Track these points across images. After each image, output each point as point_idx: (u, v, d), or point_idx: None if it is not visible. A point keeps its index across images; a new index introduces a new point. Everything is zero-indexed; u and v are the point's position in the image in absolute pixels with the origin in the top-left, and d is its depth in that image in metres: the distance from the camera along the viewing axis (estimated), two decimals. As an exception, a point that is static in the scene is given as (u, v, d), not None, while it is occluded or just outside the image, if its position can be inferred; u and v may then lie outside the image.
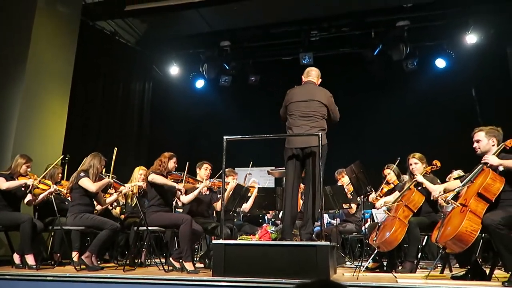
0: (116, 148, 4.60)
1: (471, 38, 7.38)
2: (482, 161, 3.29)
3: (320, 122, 3.86)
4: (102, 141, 7.15)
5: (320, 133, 3.64)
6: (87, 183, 4.26)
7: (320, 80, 4.23)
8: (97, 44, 7.39)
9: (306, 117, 3.85)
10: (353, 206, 5.45)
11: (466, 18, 7.26)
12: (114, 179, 4.61)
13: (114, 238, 4.50)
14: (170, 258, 4.14)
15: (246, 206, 5.59)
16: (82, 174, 4.32)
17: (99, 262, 4.36)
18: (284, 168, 4.06)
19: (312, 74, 4.18)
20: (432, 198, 3.91)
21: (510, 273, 2.92)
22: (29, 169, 4.57)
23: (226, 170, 5.45)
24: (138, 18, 7.93)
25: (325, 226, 5.88)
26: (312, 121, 3.84)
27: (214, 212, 5.04)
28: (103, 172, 4.59)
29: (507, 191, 3.13)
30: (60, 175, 4.90)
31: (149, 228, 4.19)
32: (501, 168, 3.22)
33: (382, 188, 4.88)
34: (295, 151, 3.85)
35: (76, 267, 4.04)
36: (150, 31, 8.37)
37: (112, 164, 4.55)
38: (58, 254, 4.74)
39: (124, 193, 4.99)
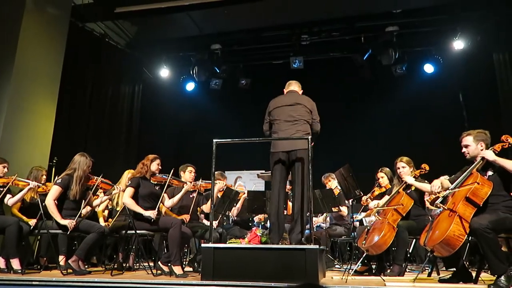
0: (102, 175, 4.51)
1: (458, 44, 7.50)
2: (479, 156, 3.31)
3: (304, 126, 3.89)
4: (90, 144, 7.08)
5: (309, 137, 3.66)
6: (52, 191, 4.14)
7: (302, 91, 4.26)
8: (86, 46, 7.33)
9: (291, 121, 3.88)
10: (345, 209, 5.46)
11: (454, 24, 7.39)
12: (103, 181, 4.54)
13: (102, 241, 4.44)
14: (159, 262, 4.10)
15: (233, 212, 5.58)
16: (59, 181, 4.20)
17: (86, 266, 4.30)
18: (273, 172, 4.06)
19: (294, 84, 4.25)
20: (432, 193, 3.90)
21: (496, 276, 2.96)
22: (5, 170, 4.49)
23: (216, 173, 5.47)
24: (128, 21, 7.89)
25: (315, 229, 5.90)
26: (297, 125, 3.86)
27: (202, 215, 5.02)
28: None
29: (494, 195, 3.16)
30: (44, 177, 4.84)
31: (138, 231, 4.15)
32: (490, 173, 3.27)
33: (374, 191, 4.90)
34: (282, 155, 3.86)
35: (63, 271, 3.98)
36: (140, 33, 8.34)
37: (96, 184, 4.45)
38: (45, 258, 4.67)
39: (112, 196, 4.94)
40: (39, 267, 4.57)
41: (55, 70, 6.35)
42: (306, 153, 3.70)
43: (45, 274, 4.00)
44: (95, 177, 4.44)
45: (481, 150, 3.35)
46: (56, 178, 4.29)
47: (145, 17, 7.58)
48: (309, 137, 3.67)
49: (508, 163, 3.12)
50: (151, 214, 4.07)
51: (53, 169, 5.47)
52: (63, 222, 4.05)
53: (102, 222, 5.18)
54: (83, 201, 4.28)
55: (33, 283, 3.42)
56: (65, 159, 5.00)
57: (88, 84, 7.42)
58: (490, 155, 3.22)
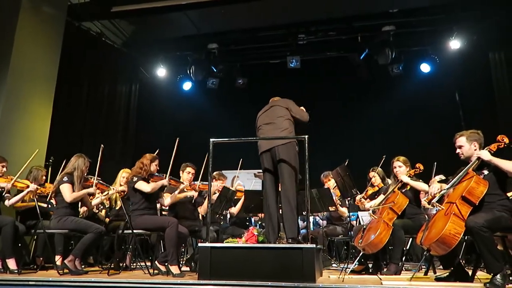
0: (102, 146, 4.54)
1: (454, 44, 7.52)
2: (475, 156, 3.32)
3: (284, 122, 3.95)
4: (86, 143, 7.07)
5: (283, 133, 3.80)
6: (66, 191, 4.16)
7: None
8: (82, 45, 7.31)
9: (270, 122, 3.99)
10: (345, 209, 5.46)
11: (450, 24, 7.41)
12: (99, 181, 4.54)
13: (99, 241, 4.43)
14: (156, 262, 4.10)
15: (233, 211, 5.58)
16: (65, 178, 4.23)
17: (83, 266, 4.29)
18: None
19: (275, 98, 4.33)
20: (426, 200, 3.93)
21: (492, 274, 2.97)
22: (4, 169, 4.47)
23: (216, 173, 5.49)
24: (125, 20, 7.86)
25: (312, 228, 5.91)
26: (276, 124, 3.95)
27: (200, 215, 5.02)
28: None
29: (490, 194, 3.18)
30: (44, 177, 4.82)
31: (135, 231, 4.14)
32: (485, 172, 3.28)
33: (367, 191, 4.94)
34: (265, 155, 3.89)
35: (59, 271, 3.97)
36: (137, 32, 8.31)
37: (98, 162, 4.49)
38: (41, 258, 4.66)
39: (108, 197, 4.93)
40: (35, 267, 4.56)
41: (51, 69, 6.32)
42: (286, 148, 3.76)
43: (41, 274, 3.99)
44: (92, 177, 4.44)
45: (475, 150, 3.36)
46: (59, 179, 4.27)
47: (142, 16, 7.56)
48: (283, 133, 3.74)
49: (503, 163, 3.14)
50: (164, 182, 4.29)
51: (50, 168, 5.44)
52: (90, 190, 4.30)
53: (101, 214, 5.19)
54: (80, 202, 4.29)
55: (30, 283, 3.41)
56: (62, 158, 5.00)
57: (84, 84, 7.40)
58: (485, 155, 3.24)
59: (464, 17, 7.21)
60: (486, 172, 3.28)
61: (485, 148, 3.33)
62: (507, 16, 6.58)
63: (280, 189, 3.88)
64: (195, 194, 4.78)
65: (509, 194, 3.58)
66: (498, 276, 2.92)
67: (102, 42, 7.77)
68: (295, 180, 3.78)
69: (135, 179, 4.22)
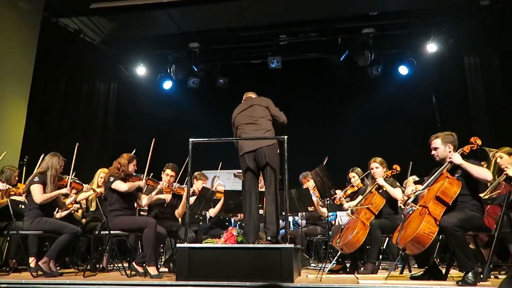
0: (77, 144, 4.45)
1: (431, 47, 7.69)
2: (447, 160, 3.41)
3: (265, 123, 3.97)
4: (63, 142, 6.90)
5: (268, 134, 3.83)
6: (36, 192, 4.04)
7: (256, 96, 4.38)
8: (60, 42, 7.14)
9: (250, 123, 3.97)
10: (324, 210, 5.50)
11: (427, 28, 7.57)
12: (74, 180, 4.45)
13: (75, 242, 4.34)
14: (133, 263, 4.05)
15: (211, 213, 5.56)
16: (36, 178, 4.11)
17: (58, 268, 4.20)
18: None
19: (249, 93, 4.38)
20: (401, 202, 4.05)
21: (464, 272, 3.06)
22: None
23: (197, 173, 5.45)
24: (104, 17, 7.73)
25: (291, 228, 5.94)
26: (257, 124, 3.95)
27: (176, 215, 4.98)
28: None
29: (463, 195, 3.27)
30: (16, 177, 4.69)
31: (112, 232, 4.08)
32: (457, 174, 3.38)
33: (347, 190, 4.99)
34: (248, 156, 3.89)
35: (33, 273, 3.87)
36: (116, 30, 8.18)
37: (73, 161, 4.39)
38: (14, 260, 4.55)
39: (85, 197, 4.85)
40: (8, 269, 4.43)
41: (27, 66, 6.16)
42: (271, 149, 3.78)
43: (14, 277, 3.90)
44: (66, 176, 4.34)
45: (449, 151, 3.45)
46: (31, 178, 4.16)
47: (121, 13, 7.44)
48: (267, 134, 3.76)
49: (472, 168, 3.24)
50: (141, 183, 4.27)
51: (24, 168, 5.30)
52: (63, 190, 4.17)
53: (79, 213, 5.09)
54: (55, 202, 4.18)
55: (2, 285, 3.32)
56: (37, 158, 4.87)
57: (62, 81, 7.23)
58: (456, 159, 3.33)
59: (441, 21, 7.37)
60: (458, 174, 3.38)
61: (459, 150, 3.43)
62: (482, 22, 6.77)
63: (264, 190, 3.91)
64: (168, 198, 4.72)
65: (481, 195, 3.70)
66: (470, 274, 3.01)
67: (81, 39, 7.62)
68: (277, 178, 3.82)
69: (112, 179, 4.16)
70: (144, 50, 8.57)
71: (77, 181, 4.52)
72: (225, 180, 7.69)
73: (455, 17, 7.23)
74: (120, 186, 4.12)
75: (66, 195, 4.40)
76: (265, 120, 3.98)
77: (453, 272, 3.55)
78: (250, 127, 3.96)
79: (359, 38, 7.87)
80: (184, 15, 7.70)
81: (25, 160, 5.52)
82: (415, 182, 4.36)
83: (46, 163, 4.22)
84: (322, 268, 4.02)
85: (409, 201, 3.47)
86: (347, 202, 4.93)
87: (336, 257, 4.47)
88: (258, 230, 3.89)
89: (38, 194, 4.05)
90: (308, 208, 5.26)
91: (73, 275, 4.06)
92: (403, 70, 8.34)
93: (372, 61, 7.84)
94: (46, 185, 4.12)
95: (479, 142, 3.48)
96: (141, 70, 8.68)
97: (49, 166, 4.19)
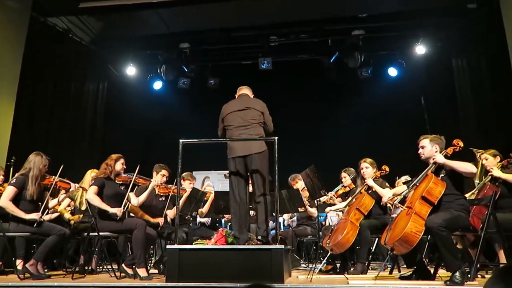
0: (62, 166, 4.37)
1: (420, 49, 7.78)
2: (431, 160, 3.46)
3: (258, 129, 3.94)
4: (51, 143, 6.81)
5: (265, 138, 3.83)
6: (4, 193, 3.93)
7: (253, 95, 4.32)
8: (48, 41, 7.04)
9: (243, 126, 3.92)
10: (313, 210, 5.52)
11: (416, 30, 7.66)
12: (61, 179, 4.37)
13: (63, 244, 4.29)
14: (123, 265, 4.02)
15: (202, 211, 5.54)
16: (13, 181, 4.01)
17: (46, 270, 4.14)
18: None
19: (244, 88, 4.32)
20: (382, 203, 4.10)
21: (451, 272, 3.10)
22: None
23: (185, 174, 5.43)
24: (93, 16, 7.66)
25: (282, 229, 5.95)
26: (250, 129, 3.91)
27: (168, 217, 4.95)
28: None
29: (448, 195, 3.33)
30: (2, 177, 4.62)
31: (101, 233, 4.04)
32: (442, 175, 3.43)
33: (338, 190, 5.01)
34: (238, 160, 3.88)
35: (20, 276, 3.82)
36: (106, 30, 8.10)
37: (54, 183, 4.29)
38: (1, 263, 4.47)
39: (71, 196, 4.79)
40: (-6, 271, 4.36)
41: (14, 65, 6.08)
42: (262, 156, 3.79)
43: (1, 279, 3.85)
44: (52, 176, 4.27)
45: (435, 152, 3.51)
46: (11, 179, 4.10)
47: (111, 13, 7.38)
48: (263, 138, 3.79)
49: (456, 164, 3.31)
50: (117, 211, 3.99)
51: (11, 169, 5.22)
52: (29, 216, 3.89)
53: (68, 216, 5.00)
54: (40, 204, 4.11)
55: (-13, 288, 3.27)
56: (25, 158, 4.80)
57: (50, 81, 7.14)
58: (439, 159, 3.40)
59: (429, 23, 7.46)
60: (443, 174, 3.44)
61: (442, 152, 3.49)
62: (469, 25, 6.87)
63: (253, 192, 3.91)
64: (161, 222, 4.64)
65: (467, 195, 3.76)
66: (457, 273, 3.05)
67: (69, 38, 7.53)
68: (266, 183, 3.83)
69: (89, 193, 4.11)
70: (133, 50, 8.52)
71: (65, 180, 4.43)
72: (215, 181, 7.68)
73: (443, 20, 7.32)
74: (89, 192, 4.07)
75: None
76: (257, 125, 3.95)
77: (441, 272, 3.59)
78: (243, 131, 3.91)
79: (349, 40, 7.92)
80: (174, 15, 7.67)
81: (12, 161, 5.43)
82: (405, 183, 4.40)
83: (29, 163, 4.13)
84: (312, 269, 4.04)
85: (396, 201, 3.52)
86: (339, 202, 4.96)
87: (326, 258, 4.49)
88: (247, 230, 3.90)
89: (4, 196, 3.93)
90: (299, 209, 5.28)
91: (61, 277, 4.02)
92: (392, 72, 8.42)
93: (362, 62, 7.89)
94: (24, 189, 4.02)
95: (461, 144, 3.56)
96: (131, 70, 8.63)
97: (31, 166, 4.10)
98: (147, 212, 4.63)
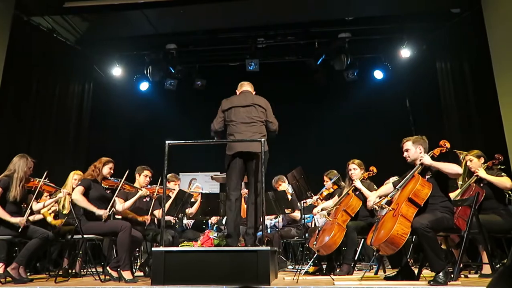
0: (46, 171, 4.30)
1: (405, 52, 7.88)
2: (418, 162, 3.51)
3: (261, 127, 3.93)
4: (35, 145, 6.68)
5: (263, 139, 3.71)
6: None
7: (254, 92, 4.29)
8: (32, 41, 6.91)
9: (247, 123, 3.89)
10: (297, 213, 5.54)
11: (401, 33, 7.75)
12: (46, 182, 4.30)
13: (45, 247, 4.21)
14: (107, 267, 3.96)
15: (190, 211, 5.51)
16: None
17: (28, 274, 4.06)
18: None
19: (246, 84, 4.26)
20: (366, 208, 4.14)
21: (435, 272, 3.14)
22: None
23: (169, 175, 5.38)
24: (79, 16, 7.55)
25: (269, 231, 5.96)
26: (254, 127, 3.89)
27: (155, 219, 4.91)
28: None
29: (434, 196, 3.38)
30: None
31: (85, 236, 3.99)
32: (428, 176, 3.48)
33: (322, 192, 5.05)
34: (239, 156, 3.86)
35: (1, 280, 3.74)
36: (91, 30, 7.99)
37: (39, 187, 4.21)
38: (-19, 267, 4.35)
39: (56, 200, 4.71)
40: (-25, 276, 4.25)
41: (-4, 65, 5.95)
42: (265, 157, 3.75)
43: (-19, 284, 3.74)
44: (37, 179, 4.20)
45: (420, 153, 3.55)
46: None
47: (97, 13, 7.29)
48: (263, 139, 3.73)
49: (443, 165, 3.36)
50: (103, 213, 3.94)
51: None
52: (14, 220, 3.81)
53: (50, 220, 4.90)
54: (24, 205, 4.03)
55: (-33, 293, 3.19)
56: (7, 160, 4.69)
57: (33, 82, 7.00)
58: (426, 160, 3.45)
59: (414, 27, 7.57)
60: (428, 176, 3.48)
61: (429, 153, 3.54)
62: (453, 28, 6.99)
63: (247, 193, 3.90)
64: (147, 220, 4.62)
65: (451, 195, 3.82)
66: (441, 274, 3.10)
67: (54, 38, 7.41)
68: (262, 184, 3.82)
69: (75, 193, 4.06)
70: (120, 51, 8.42)
71: (50, 183, 4.36)
72: (202, 183, 7.66)
73: (428, 24, 7.44)
74: (75, 192, 4.03)
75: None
76: (261, 123, 3.92)
77: (426, 272, 3.63)
78: (246, 128, 3.86)
79: (336, 43, 7.99)
80: (161, 16, 7.61)
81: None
82: (394, 183, 4.44)
83: (13, 165, 4.07)
84: (298, 270, 4.05)
85: (383, 202, 3.55)
86: (323, 203, 4.99)
87: (312, 259, 4.50)
88: (239, 230, 3.90)
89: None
90: (286, 210, 5.29)
91: (44, 281, 3.94)
92: (378, 74, 8.52)
93: (348, 65, 7.96)
94: (8, 190, 3.94)
95: (448, 145, 3.61)
96: (117, 71, 8.53)
97: (16, 168, 4.04)
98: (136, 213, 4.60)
